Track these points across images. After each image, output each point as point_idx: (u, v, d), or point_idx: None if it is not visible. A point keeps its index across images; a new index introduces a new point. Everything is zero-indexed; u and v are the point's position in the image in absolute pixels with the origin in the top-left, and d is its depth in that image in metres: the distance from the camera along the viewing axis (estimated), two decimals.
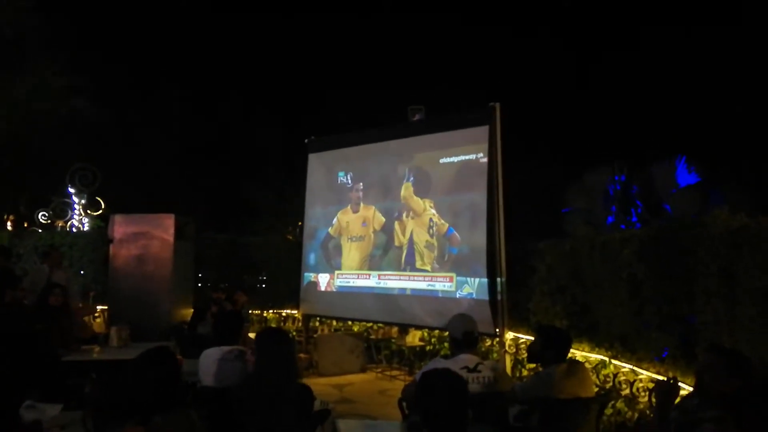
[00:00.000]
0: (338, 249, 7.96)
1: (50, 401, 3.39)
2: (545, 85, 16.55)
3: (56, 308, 5.39)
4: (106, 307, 7.75)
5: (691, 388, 3.18)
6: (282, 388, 2.85)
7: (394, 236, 7.30)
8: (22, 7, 11.02)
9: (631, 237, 5.32)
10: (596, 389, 4.58)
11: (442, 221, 6.78)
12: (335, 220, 8.05)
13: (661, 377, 4.27)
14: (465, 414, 2.13)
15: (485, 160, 6.35)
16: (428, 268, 6.88)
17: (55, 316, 5.28)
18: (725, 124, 12.60)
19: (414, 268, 7.02)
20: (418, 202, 7.15)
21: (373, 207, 7.64)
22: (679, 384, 2.67)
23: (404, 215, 7.25)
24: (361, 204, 7.79)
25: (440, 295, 6.65)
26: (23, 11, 11.05)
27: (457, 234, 6.62)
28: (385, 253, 7.41)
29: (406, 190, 7.34)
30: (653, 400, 2.84)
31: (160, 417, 2.26)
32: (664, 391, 2.66)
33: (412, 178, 7.26)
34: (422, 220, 7.05)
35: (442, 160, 6.91)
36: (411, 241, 7.11)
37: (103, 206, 10.93)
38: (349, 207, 7.94)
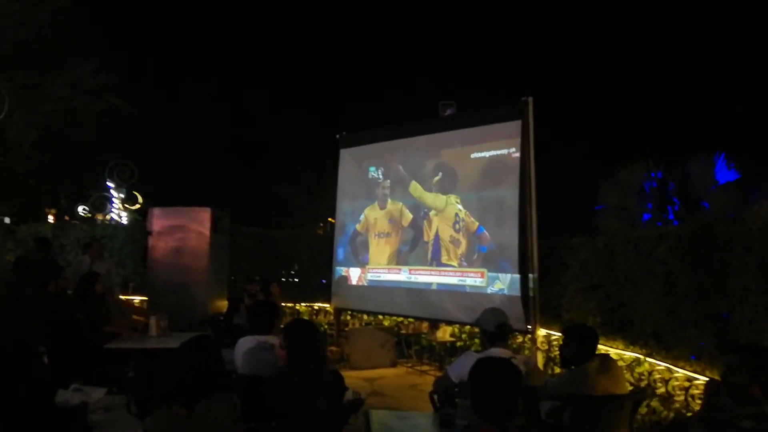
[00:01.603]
0: (365, 245, 8.03)
1: (93, 386, 3.51)
2: (579, 79, 16.32)
3: (98, 296, 5.57)
4: (145, 298, 7.99)
5: None
6: (316, 377, 2.92)
7: (423, 232, 7.32)
8: (60, 7, 11.35)
9: (667, 233, 5.24)
10: (630, 387, 4.54)
11: (472, 219, 6.76)
12: (362, 216, 8.11)
13: (697, 375, 4.22)
14: (516, 402, 2.16)
15: (517, 155, 6.31)
16: (455, 263, 6.89)
17: (96, 304, 5.46)
18: (766, 119, 12.25)
19: (440, 263, 7.04)
20: (436, 198, 7.17)
21: (401, 203, 7.67)
22: None
23: (431, 212, 7.27)
24: (389, 200, 7.83)
25: (471, 290, 6.65)
26: (60, 11, 11.39)
27: (486, 233, 6.60)
28: (412, 248, 7.44)
29: (415, 189, 7.40)
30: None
31: (204, 401, 2.34)
32: (714, 388, 2.65)
33: (432, 177, 7.27)
34: (446, 215, 7.06)
35: (473, 155, 6.88)
36: (437, 236, 7.13)
37: (140, 200, 11.25)
38: (376, 203, 7.99)
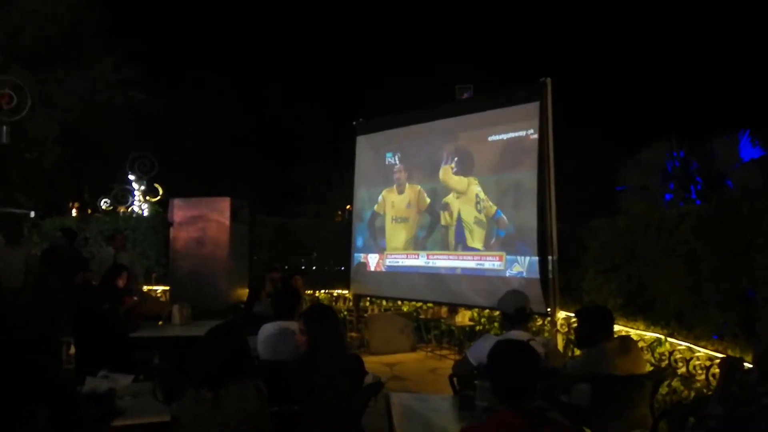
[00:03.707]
0: (383, 229, 8.03)
1: (121, 373, 3.60)
2: (599, 58, 16.02)
3: (122, 289, 5.68)
4: (167, 288, 8.14)
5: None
6: (337, 361, 2.95)
7: (440, 216, 7.30)
8: (77, 3, 11.46)
9: (689, 212, 5.17)
10: (650, 367, 4.50)
11: (490, 203, 6.72)
12: (380, 197, 8.11)
13: (719, 354, 4.17)
14: (534, 384, 2.17)
15: (536, 136, 6.24)
16: (479, 246, 6.84)
17: (121, 296, 5.57)
18: None
19: (466, 247, 6.99)
20: (460, 181, 7.13)
21: (419, 187, 7.65)
22: (744, 362, 2.63)
23: (451, 195, 7.24)
24: (406, 184, 7.82)
25: (489, 274, 6.63)
26: (78, 7, 11.50)
27: (504, 217, 6.55)
28: (429, 233, 7.43)
29: (445, 173, 7.35)
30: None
31: (230, 386, 2.40)
32: (730, 366, 2.63)
33: (451, 160, 7.22)
34: (468, 197, 7.01)
35: (491, 138, 6.83)
36: (459, 219, 7.09)
37: (161, 192, 11.41)
38: (394, 187, 7.98)
